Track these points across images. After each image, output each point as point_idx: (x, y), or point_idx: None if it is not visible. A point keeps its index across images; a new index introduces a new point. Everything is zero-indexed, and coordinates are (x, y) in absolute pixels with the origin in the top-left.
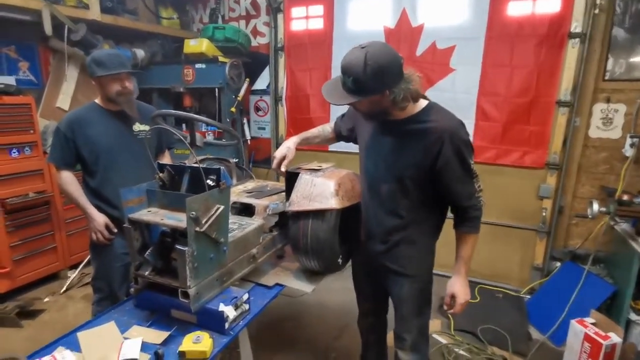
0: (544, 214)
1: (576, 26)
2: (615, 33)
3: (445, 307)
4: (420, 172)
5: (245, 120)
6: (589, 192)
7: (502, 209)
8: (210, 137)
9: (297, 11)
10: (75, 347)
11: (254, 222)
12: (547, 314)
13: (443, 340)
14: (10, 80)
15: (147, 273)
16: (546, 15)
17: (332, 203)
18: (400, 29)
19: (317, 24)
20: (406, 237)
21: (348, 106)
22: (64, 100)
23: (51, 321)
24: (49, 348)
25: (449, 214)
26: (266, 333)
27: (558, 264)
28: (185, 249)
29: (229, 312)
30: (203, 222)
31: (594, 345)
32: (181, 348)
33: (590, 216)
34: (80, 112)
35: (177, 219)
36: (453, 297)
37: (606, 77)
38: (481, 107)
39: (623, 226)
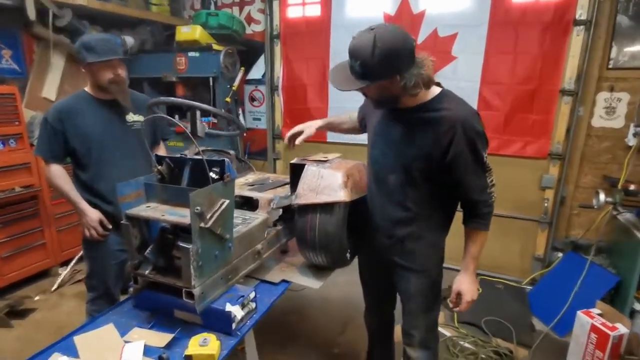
0: (545, 204)
1: (581, 13)
2: (620, 20)
3: (450, 305)
4: (429, 163)
5: (240, 111)
6: (592, 182)
7: (503, 200)
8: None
9: None
10: (72, 352)
11: (258, 216)
12: (549, 304)
13: (447, 332)
14: None
15: (147, 272)
16: (551, 2)
17: (341, 195)
18: (401, 16)
19: (314, 11)
20: (413, 231)
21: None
22: (49, 91)
23: (43, 320)
24: (43, 354)
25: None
26: (269, 328)
27: (559, 254)
28: (189, 246)
29: (236, 312)
30: (208, 217)
31: (601, 336)
32: (187, 352)
33: (596, 206)
34: (69, 102)
35: (179, 215)
36: (459, 294)
37: (610, 66)
38: (483, 96)
39: (627, 216)
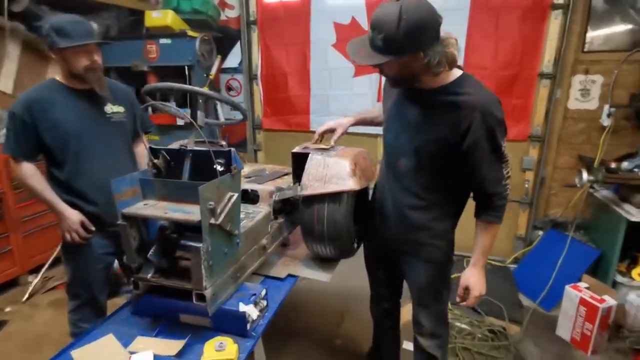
0: (526, 185)
1: None
2: (595, 4)
3: (457, 300)
4: (443, 148)
5: (218, 102)
6: (568, 162)
7: None
8: (181, 121)
9: None
10: None
11: (261, 209)
12: (534, 281)
13: None
14: None
15: (149, 276)
16: None
17: (350, 184)
18: (384, 0)
19: None
20: (423, 219)
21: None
22: (6, 84)
23: (18, 332)
24: None
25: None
26: (268, 327)
27: (540, 232)
28: (200, 245)
29: (251, 312)
30: (218, 213)
31: (590, 308)
32: (204, 358)
33: (579, 185)
34: (38, 92)
35: (184, 212)
36: (467, 289)
37: (585, 49)
38: None
39: (604, 193)
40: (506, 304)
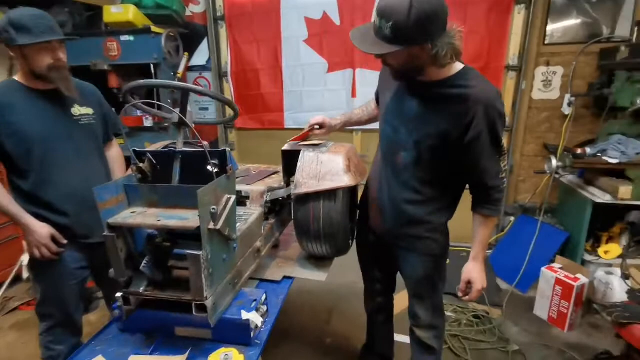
0: None
1: None
2: None
3: (459, 294)
4: (444, 142)
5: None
6: (533, 150)
7: None
8: (149, 122)
9: None
10: None
11: (254, 211)
12: (509, 265)
13: None
14: None
15: (142, 289)
16: None
17: (346, 180)
18: None
19: None
20: (420, 214)
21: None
22: None
23: None
24: None
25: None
26: None
27: (511, 218)
28: (199, 253)
29: (255, 319)
30: (217, 217)
31: (565, 287)
32: None
33: (548, 171)
34: None
35: (180, 218)
36: (469, 283)
37: (546, 42)
38: None
39: (569, 178)
40: (485, 288)
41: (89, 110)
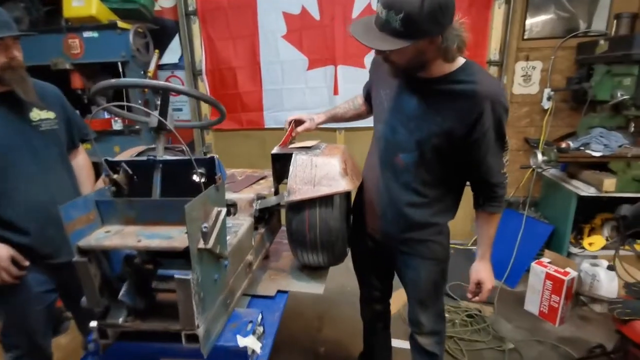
0: None
1: None
2: None
3: (469, 295)
4: (448, 142)
5: (158, 101)
6: (515, 144)
7: None
8: (118, 125)
9: None
10: None
11: (243, 221)
12: (496, 260)
13: None
14: None
15: (121, 320)
16: None
17: (343, 185)
18: None
19: None
20: (423, 217)
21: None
22: None
23: None
24: None
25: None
26: None
27: None
28: (188, 277)
29: (253, 345)
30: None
31: (556, 282)
32: None
33: (534, 166)
34: None
35: (163, 237)
36: (479, 283)
37: (525, 37)
38: None
39: (552, 171)
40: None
41: (50, 115)
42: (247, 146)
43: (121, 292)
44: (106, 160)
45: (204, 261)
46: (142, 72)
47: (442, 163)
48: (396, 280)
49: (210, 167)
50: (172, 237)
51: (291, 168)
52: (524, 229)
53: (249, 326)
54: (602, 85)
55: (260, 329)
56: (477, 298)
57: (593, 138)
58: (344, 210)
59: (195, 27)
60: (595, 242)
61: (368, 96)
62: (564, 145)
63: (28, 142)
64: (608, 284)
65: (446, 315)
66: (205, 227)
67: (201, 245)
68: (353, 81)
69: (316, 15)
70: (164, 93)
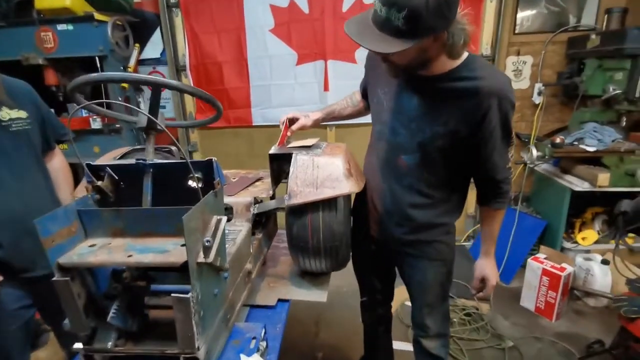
0: None
1: None
2: None
3: (473, 292)
4: (453, 142)
5: (140, 98)
6: None
7: None
8: (97, 123)
9: None
10: None
11: (240, 227)
12: None
13: None
14: None
15: (110, 344)
16: None
17: (348, 186)
18: None
19: None
20: (429, 218)
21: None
22: None
23: None
24: None
25: None
26: None
27: None
28: (188, 295)
29: None
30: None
31: (553, 278)
32: None
33: (528, 161)
34: None
35: (157, 251)
36: (483, 280)
37: (516, 31)
38: None
39: (544, 167)
40: (470, 282)
41: (22, 114)
42: (234, 145)
43: (110, 314)
44: (88, 165)
45: (203, 276)
46: (122, 68)
47: (446, 163)
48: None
49: (208, 171)
50: (168, 250)
51: (291, 169)
52: (517, 224)
53: (253, 343)
54: (594, 79)
55: (264, 344)
56: (481, 294)
57: (587, 133)
58: (348, 214)
59: (178, 20)
60: (588, 236)
61: (365, 93)
62: (558, 140)
63: None
64: (602, 279)
65: None
66: (208, 240)
67: (201, 259)
68: (344, 77)
69: (305, 8)
70: (155, 89)
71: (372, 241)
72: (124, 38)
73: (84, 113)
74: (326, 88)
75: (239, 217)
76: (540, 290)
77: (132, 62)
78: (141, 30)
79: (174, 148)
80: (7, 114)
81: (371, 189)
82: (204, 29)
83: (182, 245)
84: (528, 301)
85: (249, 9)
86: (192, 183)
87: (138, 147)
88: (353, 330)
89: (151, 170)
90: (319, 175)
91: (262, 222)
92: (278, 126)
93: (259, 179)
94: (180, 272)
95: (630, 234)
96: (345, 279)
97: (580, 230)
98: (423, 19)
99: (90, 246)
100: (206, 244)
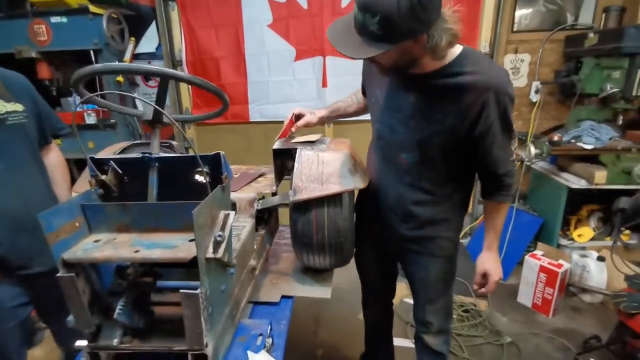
0: None
1: None
2: None
3: (475, 287)
4: (451, 138)
5: (135, 93)
6: None
7: None
8: (92, 118)
9: None
10: None
11: (243, 223)
12: None
13: None
14: None
15: (116, 341)
16: None
17: (354, 182)
18: None
19: None
20: (432, 214)
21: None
22: None
23: None
24: None
25: None
26: None
27: None
28: (197, 291)
29: None
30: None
31: (550, 274)
32: None
33: (527, 159)
34: None
35: (164, 246)
36: (485, 275)
37: (514, 29)
38: None
39: (541, 164)
40: (469, 280)
41: (18, 107)
42: (231, 141)
43: (117, 310)
44: (92, 159)
45: (211, 271)
46: (117, 62)
47: (447, 160)
48: None
49: (215, 165)
50: (176, 246)
51: (296, 164)
52: (514, 221)
53: (259, 340)
54: (591, 78)
55: (269, 340)
56: (483, 290)
57: (584, 131)
58: (352, 210)
59: (174, 14)
60: (583, 233)
61: (365, 91)
62: (556, 138)
63: None
64: (598, 275)
65: None
66: (220, 235)
67: (210, 254)
68: (342, 73)
69: (304, 4)
70: (163, 81)
71: (375, 238)
72: (119, 31)
73: (80, 107)
74: (324, 84)
75: (243, 213)
76: (537, 286)
77: (128, 56)
78: (136, 23)
79: (174, 142)
80: (3, 106)
81: (374, 186)
82: (200, 24)
83: (190, 240)
84: (525, 297)
85: (247, 3)
86: (199, 177)
87: (137, 141)
88: (352, 327)
89: (156, 164)
90: (324, 170)
91: (265, 218)
92: (275, 122)
93: (261, 175)
94: (186, 268)
95: (626, 231)
96: (345, 275)
97: (576, 228)
98: (396, 24)
99: (95, 241)
100: (218, 238)
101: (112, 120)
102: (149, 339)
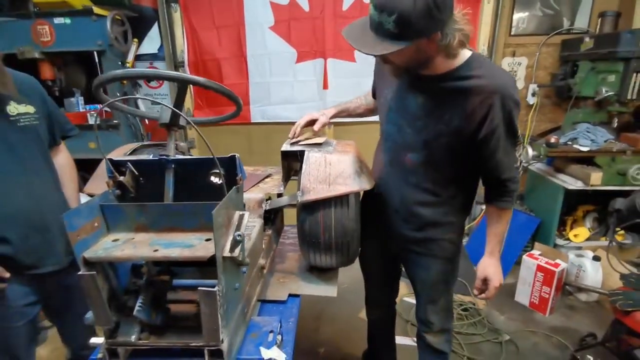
0: None
1: None
2: None
3: (476, 292)
4: (457, 140)
5: (136, 94)
6: None
7: None
8: (94, 119)
9: None
10: None
11: (253, 223)
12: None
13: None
14: None
15: (134, 338)
16: None
17: (360, 184)
18: None
19: None
20: (436, 216)
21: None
22: None
23: None
24: None
25: None
26: None
27: (483, 207)
28: (215, 288)
29: (278, 356)
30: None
31: (547, 273)
32: None
33: (525, 161)
34: None
35: (183, 246)
36: (485, 280)
37: (512, 33)
38: None
39: (538, 165)
40: (467, 279)
41: (30, 109)
42: (232, 142)
43: (136, 308)
44: (110, 160)
45: (227, 270)
46: (120, 63)
47: (452, 161)
48: None
49: (230, 167)
50: (193, 245)
51: (303, 166)
52: (512, 222)
53: (270, 336)
54: (587, 81)
55: (279, 337)
56: (483, 295)
57: (580, 133)
58: (358, 211)
59: (177, 16)
60: (579, 233)
61: (375, 93)
62: (553, 140)
63: (5, 139)
64: (594, 274)
65: None
66: (239, 235)
67: (226, 253)
68: (343, 75)
69: (305, 6)
70: (182, 86)
71: (378, 238)
72: (122, 33)
73: (80, 108)
74: (325, 86)
75: (252, 213)
76: (534, 285)
77: (131, 57)
78: (138, 25)
79: (181, 144)
80: (15, 108)
81: (379, 187)
82: (203, 25)
83: (207, 239)
84: (522, 296)
85: (249, 5)
86: (214, 179)
87: (147, 143)
88: (353, 325)
89: (173, 166)
90: (331, 172)
91: (272, 218)
92: (276, 123)
93: (268, 176)
94: (199, 267)
95: (621, 232)
96: (346, 274)
97: (572, 228)
98: (413, 22)
99: (114, 241)
100: (237, 238)
101: (114, 122)
102: (166, 336)
